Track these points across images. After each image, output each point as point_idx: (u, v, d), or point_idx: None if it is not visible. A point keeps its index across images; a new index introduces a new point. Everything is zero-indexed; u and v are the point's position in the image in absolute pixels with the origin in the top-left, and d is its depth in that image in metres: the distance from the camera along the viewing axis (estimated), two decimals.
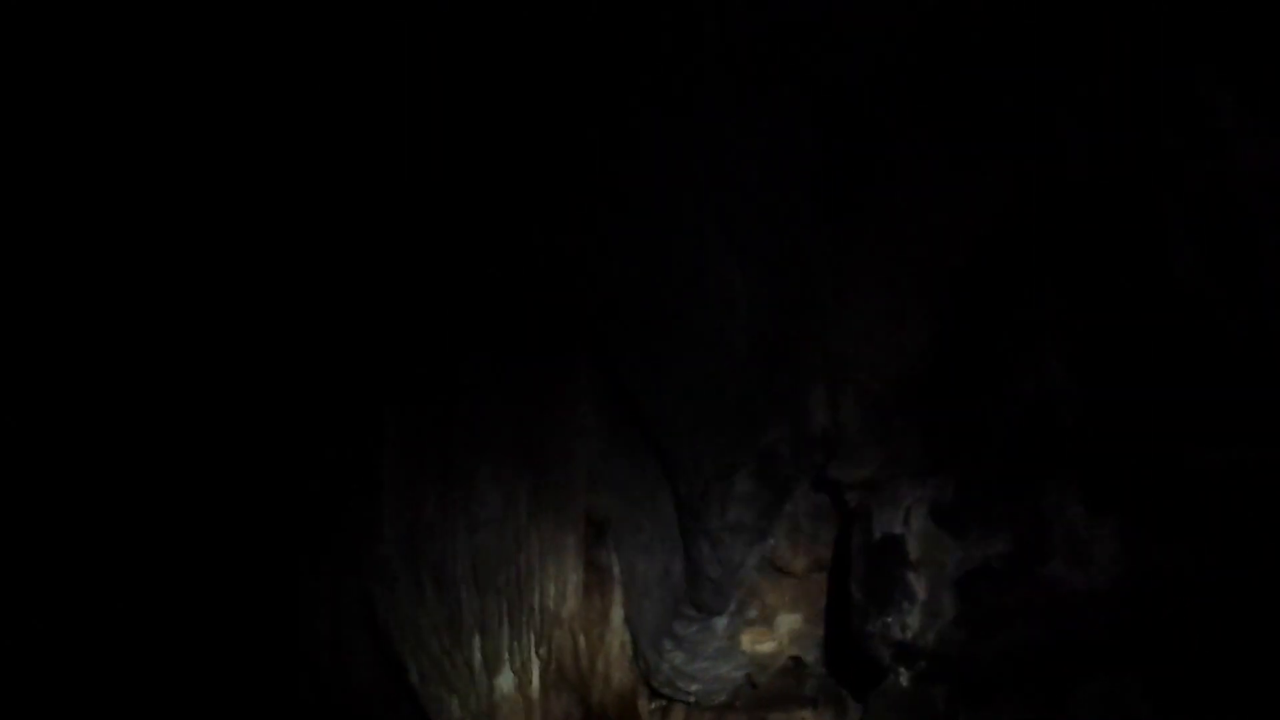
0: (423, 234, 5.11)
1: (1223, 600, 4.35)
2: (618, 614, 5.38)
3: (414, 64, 4.46)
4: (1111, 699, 4.97)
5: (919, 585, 4.13)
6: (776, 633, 5.03)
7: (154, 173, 4.92)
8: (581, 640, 5.41)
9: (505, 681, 5.45)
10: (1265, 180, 4.00)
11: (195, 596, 5.87)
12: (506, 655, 5.43)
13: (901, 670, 4.17)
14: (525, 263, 4.98)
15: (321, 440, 5.61)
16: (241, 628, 5.92)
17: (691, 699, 5.40)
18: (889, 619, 4.15)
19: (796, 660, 5.18)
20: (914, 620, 4.12)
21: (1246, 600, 4.32)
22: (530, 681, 5.47)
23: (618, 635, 5.41)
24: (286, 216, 5.11)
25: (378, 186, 5.00)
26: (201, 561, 5.82)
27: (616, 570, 5.29)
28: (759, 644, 5.04)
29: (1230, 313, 4.08)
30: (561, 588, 5.35)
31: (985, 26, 4.28)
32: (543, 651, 5.43)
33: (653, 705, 5.59)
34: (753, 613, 4.97)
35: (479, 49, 4.34)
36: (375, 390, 5.42)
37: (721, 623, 4.93)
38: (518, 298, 5.09)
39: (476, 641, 5.42)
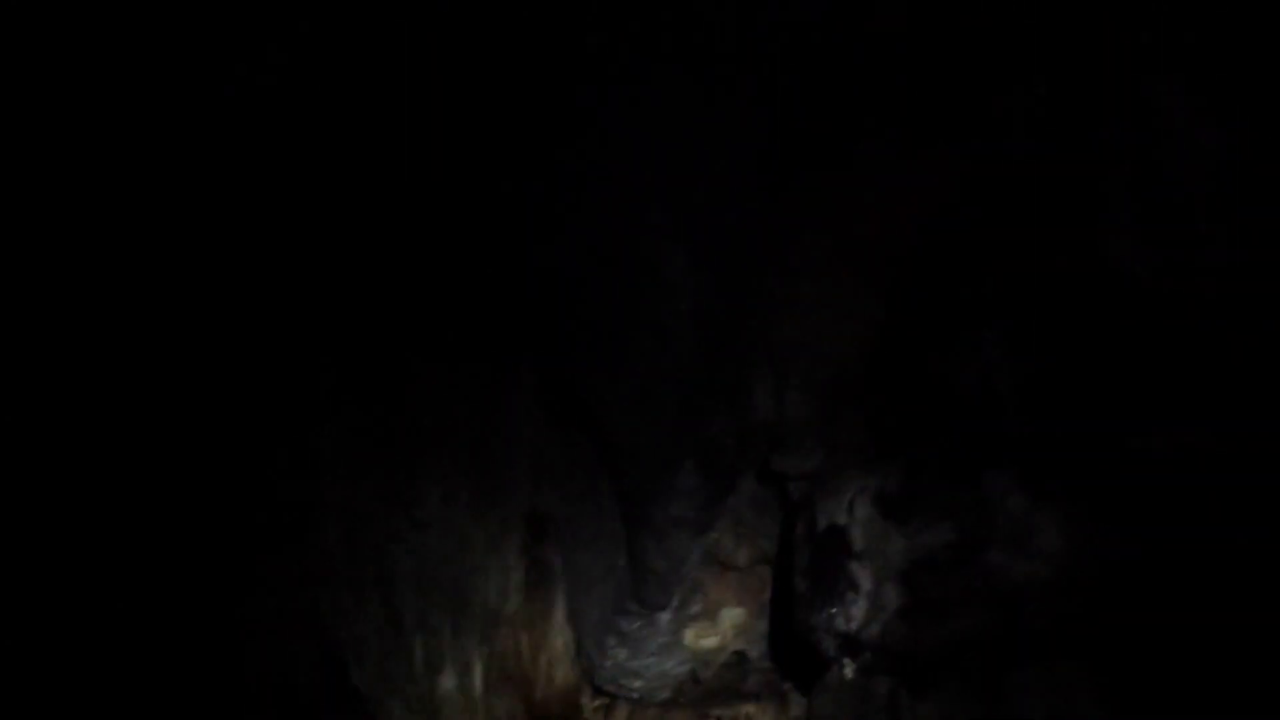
0: (353, 224, 5.00)
1: (1163, 586, 4.39)
2: (560, 611, 5.31)
3: (342, 52, 4.36)
4: (1053, 687, 5.01)
5: (863, 576, 4.12)
6: (720, 627, 5.00)
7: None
8: (524, 638, 5.34)
9: (448, 681, 5.36)
10: (1200, 167, 4.06)
11: (125, 596, 5.70)
12: (448, 655, 5.34)
13: (846, 662, 4.17)
14: (462, 253, 4.90)
15: (256, 438, 5.47)
16: (177, 629, 5.76)
17: (635, 696, 5.35)
18: (833, 610, 4.14)
19: (740, 654, 5.15)
20: (858, 611, 4.12)
21: (1187, 585, 4.37)
22: (473, 681, 5.38)
23: (560, 633, 5.34)
24: (225, 211, 4.98)
25: (311, 181, 4.89)
26: (131, 560, 5.65)
27: (559, 567, 5.23)
28: (702, 639, 5.01)
29: (1168, 297, 4.14)
30: (504, 586, 5.27)
31: (930, 18, 4.30)
32: (485, 650, 5.35)
33: (596, 703, 5.52)
34: (696, 607, 4.94)
35: (411, 32, 4.25)
36: (312, 385, 5.30)
37: (665, 618, 4.89)
38: (454, 291, 5.01)
39: (418, 641, 5.32)
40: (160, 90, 4.30)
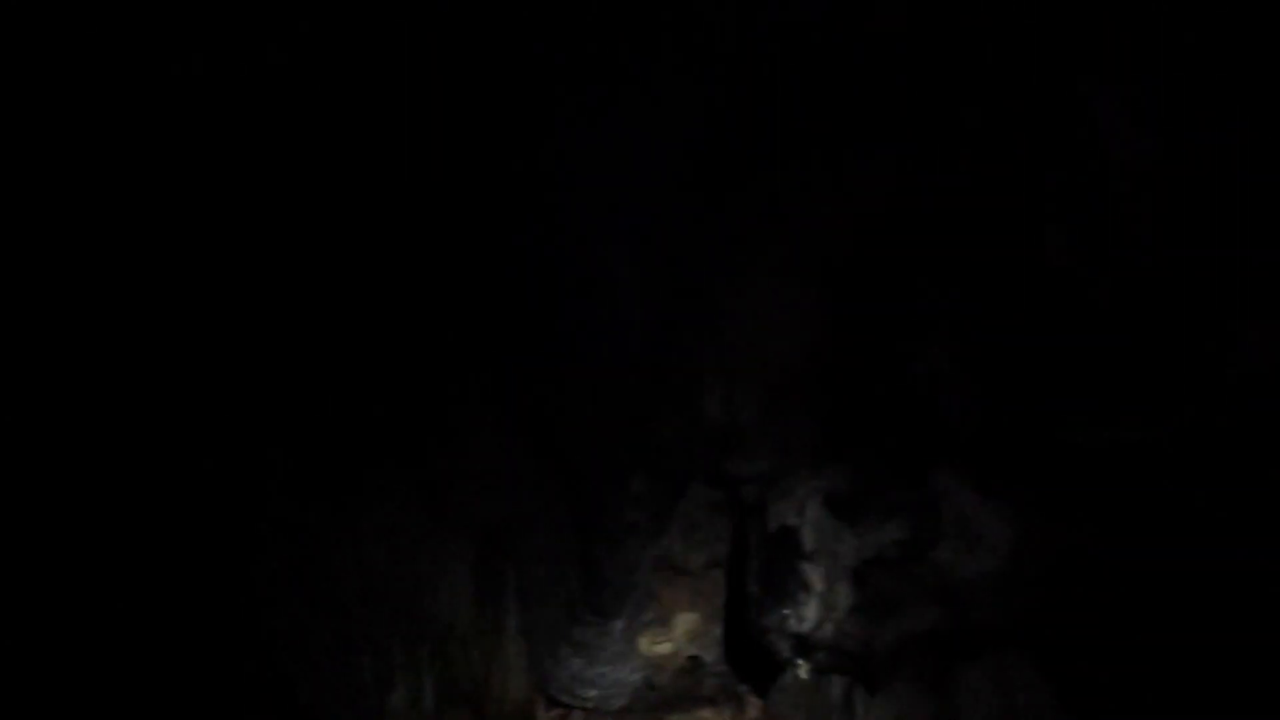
0: (295, 235, 4.94)
1: (1108, 578, 4.47)
2: (512, 623, 5.28)
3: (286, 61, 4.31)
4: (1004, 681, 5.08)
5: (815, 576, 4.15)
6: (674, 633, 5.00)
7: None
8: (476, 652, 5.30)
9: (398, 698, 5.30)
10: (1131, 170, 4.15)
11: (69, 625, 5.56)
12: (399, 671, 5.28)
13: (800, 662, 4.19)
14: (410, 261, 4.87)
15: (198, 451, 5.37)
16: (121, 654, 5.64)
17: (590, 705, 5.34)
18: (786, 611, 4.17)
19: (694, 659, 5.16)
20: (811, 612, 4.15)
21: (1132, 577, 4.45)
22: (424, 696, 5.33)
23: (513, 644, 5.31)
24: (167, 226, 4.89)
25: (251, 195, 4.82)
26: (71, 587, 5.52)
27: (511, 578, 5.20)
28: (656, 645, 5.01)
29: (1103, 295, 4.22)
30: (454, 599, 5.23)
31: (864, 28, 4.35)
32: (437, 665, 5.30)
33: (551, 714, 5.50)
34: (650, 614, 4.94)
35: (356, 44, 4.22)
36: (257, 399, 5.22)
37: (619, 626, 4.88)
38: (402, 299, 4.98)
39: (367, 658, 5.26)
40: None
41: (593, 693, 5.25)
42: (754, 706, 5.49)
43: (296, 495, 5.22)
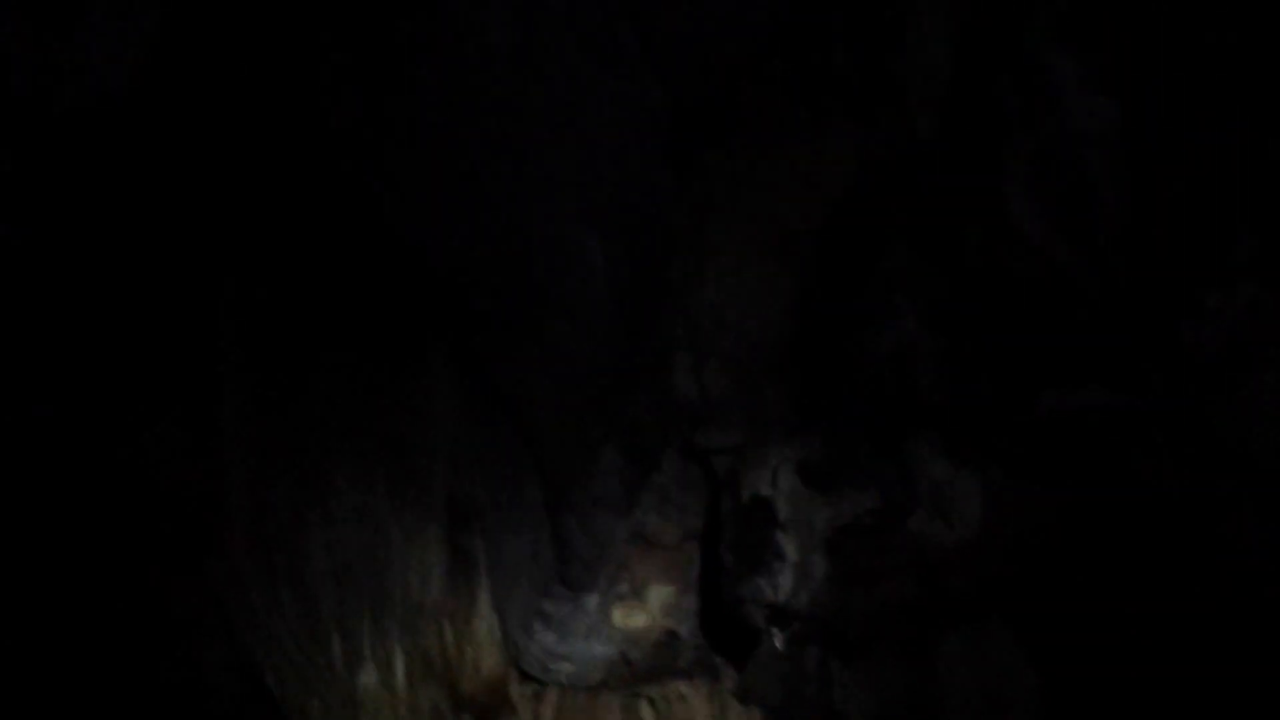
0: (252, 210, 4.83)
1: (1084, 547, 4.46)
2: (485, 599, 5.22)
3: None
4: (980, 651, 5.07)
5: (789, 546, 4.11)
6: (648, 606, 4.95)
7: None
8: (448, 629, 5.24)
9: (368, 678, 5.24)
10: (1098, 138, 4.12)
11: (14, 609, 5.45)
12: (368, 650, 5.21)
13: (775, 632, 4.15)
14: (367, 233, 4.77)
15: (154, 432, 5.26)
16: (76, 639, 5.53)
17: (564, 679, 5.29)
18: (761, 581, 4.13)
19: (670, 633, 5.12)
20: (786, 581, 4.11)
21: (1107, 546, 4.44)
22: (395, 675, 5.27)
23: (485, 621, 5.25)
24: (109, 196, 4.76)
25: (197, 161, 4.70)
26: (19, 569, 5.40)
27: (482, 554, 5.13)
28: (631, 619, 4.96)
29: (1071, 261, 4.19)
30: (425, 576, 5.16)
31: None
32: (407, 643, 5.23)
33: (524, 690, 5.45)
34: (623, 587, 4.89)
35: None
36: (210, 377, 5.11)
37: (592, 600, 4.83)
38: (361, 273, 4.88)
39: (336, 638, 5.19)
40: None
41: (567, 667, 5.21)
42: (731, 679, 5.46)
43: (257, 471, 5.13)
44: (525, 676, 5.39)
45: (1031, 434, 4.30)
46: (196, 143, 4.56)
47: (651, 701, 5.43)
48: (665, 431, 4.40)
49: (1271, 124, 3.86)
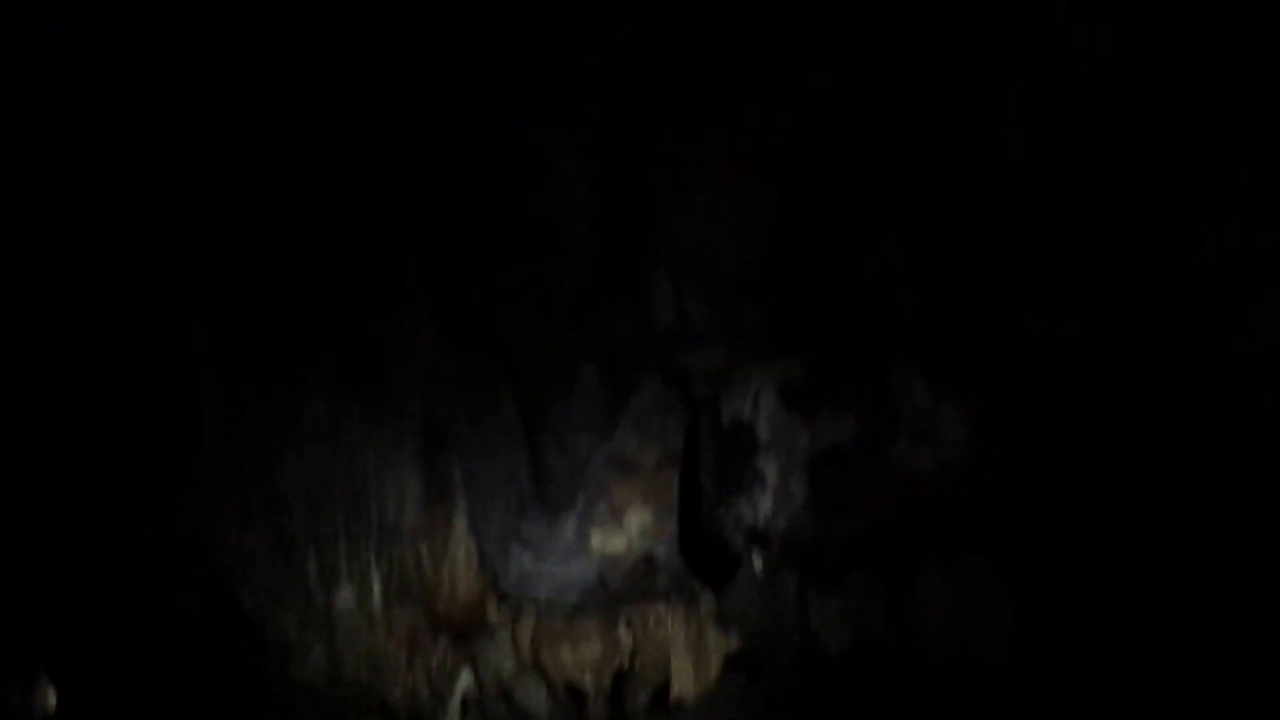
0: (225, 126, 4.68)
1: (1062, 475, 4.42)
2: (461, 521, 5.17)
3: None
4: (957, 577, 5.06)
5: (770, 469, 4.05)
6: (626, 530, 4.91)
7: None
8: (424, 551, 5.20)
9: (345, 597, 5.21)
10: (1090, 66, 4.00)
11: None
12: (344, 570, 5.18)
13: (754, 555, 4.10)
14: (339, 150, 4.63)
15: (125, 359, 5.16)
16: (51, 562, 5.47)
17: (542, 602, 5.26)
18: (740, 504, 4.07)
19: (648, 557, 5.08)
20: (766, 504, 4.06)
21: (1085, 474, 4.40)
22: (371, 596, 5.24)
23: (462, 543, 5.21)
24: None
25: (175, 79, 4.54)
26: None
27: (459, 476, 5.07)
28: (609, 542, 4.92)
29: (1061, 191, 4.09)
30: (400, 499, 5.11)
31: None
32: (383, 565, 5.20)
33: (502, 612, 5.42)
34: (601, 510, 4.84)
35: None
36: (182, 301, 4.99)
37: (570, 522, 4.78)
38: (334, 193, 4.75)
39: (311, 558, 5.15)
40: None
41: (545, 589, 5.17)
42: (708, 604, 5.44)
43: (232, 388, 5.04)
44: (503, 599, 5.36)
45: (1014, 362, 4.24)
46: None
47: (629, 624, 5.41)
48: (644, 353, 4.31)
49: (1266, 56, 3.76)
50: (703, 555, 5.03)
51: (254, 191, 4.77)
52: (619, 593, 5.30)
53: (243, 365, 5.05)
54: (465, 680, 5.65)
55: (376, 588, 5.25)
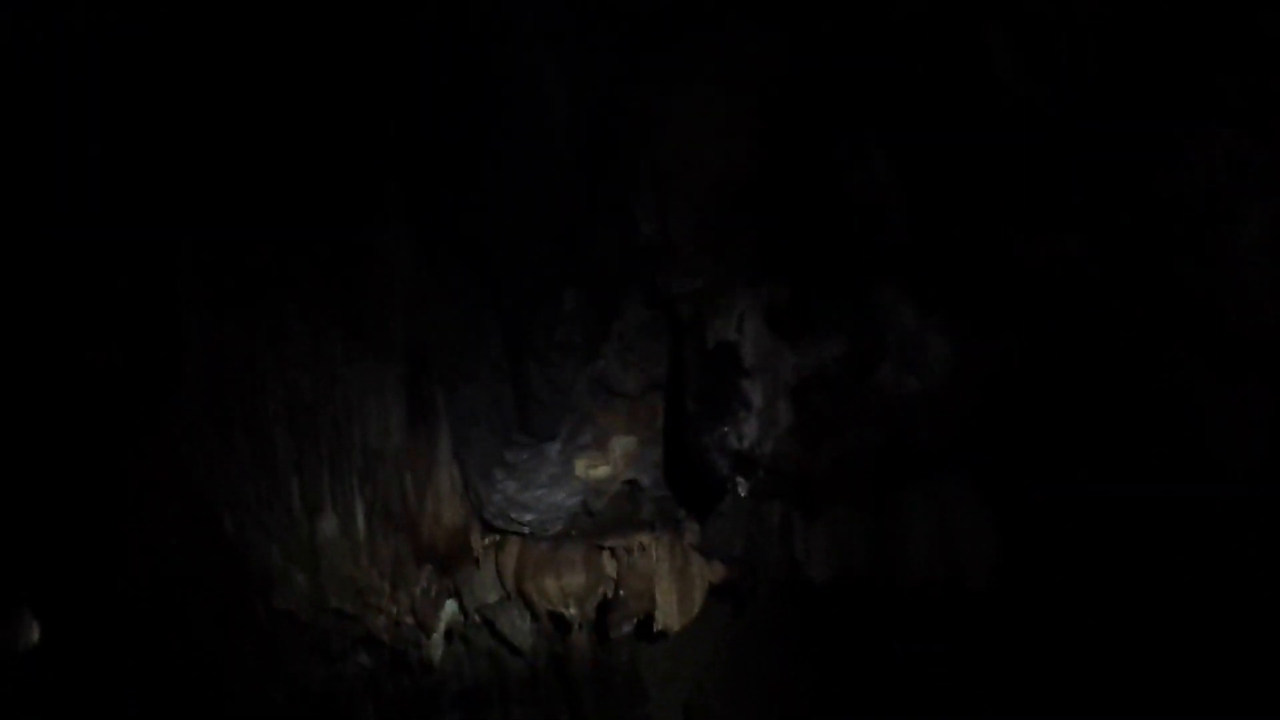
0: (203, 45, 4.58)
1: (1048, 398, 4.38)
2: (445, 448, 5.13)
3: None
4: (940, 503, 5.03)
5: (755, 393, 4.00)
6: (611, 456, 4.87)
7: None
8: (408, 478, 5.16)
9: (328, 524, 5.18)
10: None
11: None
12: (328, 497, 5.14)
13: (740, 480, 4.07)
14: (323, 75, 4.54)
15: (107, 282, 5.09)
16: (30, 493, 5.42)
17: (526, 530, 5.24)
18: (725, 429, 4.02)
19: (632, 484, 5.05)
20: (751, 429, 4.01)
21: (1071, 396, 4.36)
22: (355, 524, 5.21)
23: (446, 470, 5.17)
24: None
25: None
26: None
27: (442, 402, 5.02)
28: (593, 469, 4.88)
29: (1048, 106, 4.02)
30: (384, 424, 5.06)
31: None
32: (367, 492, 5.16)
33: (486, 540, 5.40)
34: (586, 437, 4.79)
35: None
36: (165, 224, 4.91)
37: (554, 449, 4.73)
38: (315, 116, 4.66)
39: (295, 485, 5.11)
40: None
41: (529, 517, 5.15)
42: (692, 532, 5.42)
43: (211, 324, 4.97)
44: (487, 527, 5.34)
45: (1002, 283, 4.18)
46: None
47: (613, 552, 5.40)
48: (628, 275, 4.24)
49: None
50: (688, 482, 5.00)
51: (235, 113, 4.69)
52: (603, 521, 5.28)
53: (222, 291, 4.98)
54: (450, 610, 5.64)
55: (360, 516, 5.22)
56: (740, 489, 4.09)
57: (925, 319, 4.19)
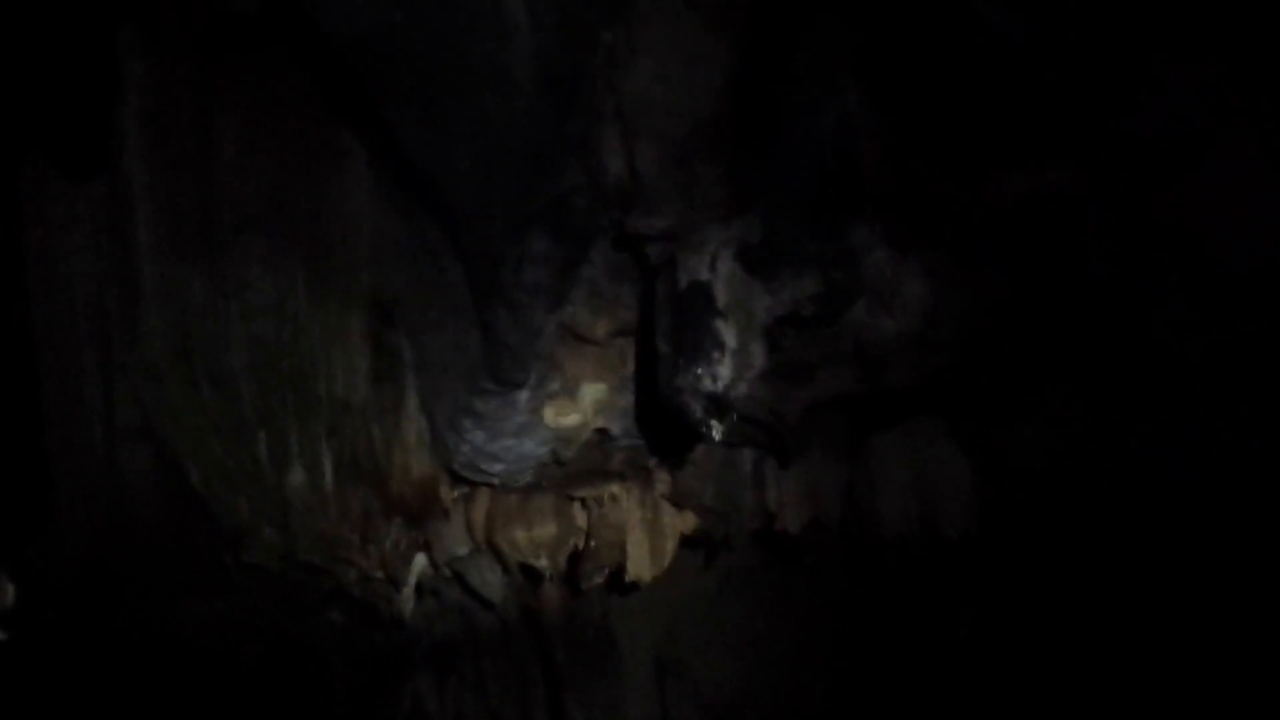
0: None
1: (1026, 338, 4.22)
2: (412, 400, 4.90)
3: None
4: (914, 446, 4.88)
5: (729, 333, 3.78)
6: (580, 404, 4.65)
7: None
8: (375, 430, 4.93)
9: (296, 477, 4.94)
10: None
11: None
12: (295, 450, 4.90)
13: (714, 424, 3.85)
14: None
15: (60, 224, 4.83)
16: None
17: (495, 481, 5.03)
18: (699, 370, 3.80)
19: (603, 432, 4.84)
20: (725, 370, 3.79)
21: (1049, 337, 4.20)
22: (323, 477, 4.98)
23: (414, 422, 4.95)
24: None
25: None
26: None
27: (408, 352, 4.79)
28: (563, 417, 4.66)
29: (1021, 34, 3.81)
30: (350, 375, 4.82)
31: None
32: (334, 444, 4.93)
33: (455, 493, 5.19)
34: (555, 385, 4.56)
35: None
36: (118, 160, 4.65)
37: (523, 396, 4.50)
38: (259, 48, 4.40)
39: (261, 437, 4.87)
40: None
41: (497, 468, 4.92)
42: (663, 482, 5.25)
43: (171, 273, 4.72)
44: (456, 479, 5.13)
45: (979, 220, 3.99)
46: None
47: (584, 503, 5.21)
48: (596, 214, 4.00)
49: None
50: (658, 432, 4.81)
51: (189, 48, 4.43)
52: (572, 471, 5.07)
53: (182, 241, 4.71)
54: (420, 563, 5.45)
55: (328, 468, 5.00)
56: (715, 432, 3.87)
57: (900, 257, 3.99)
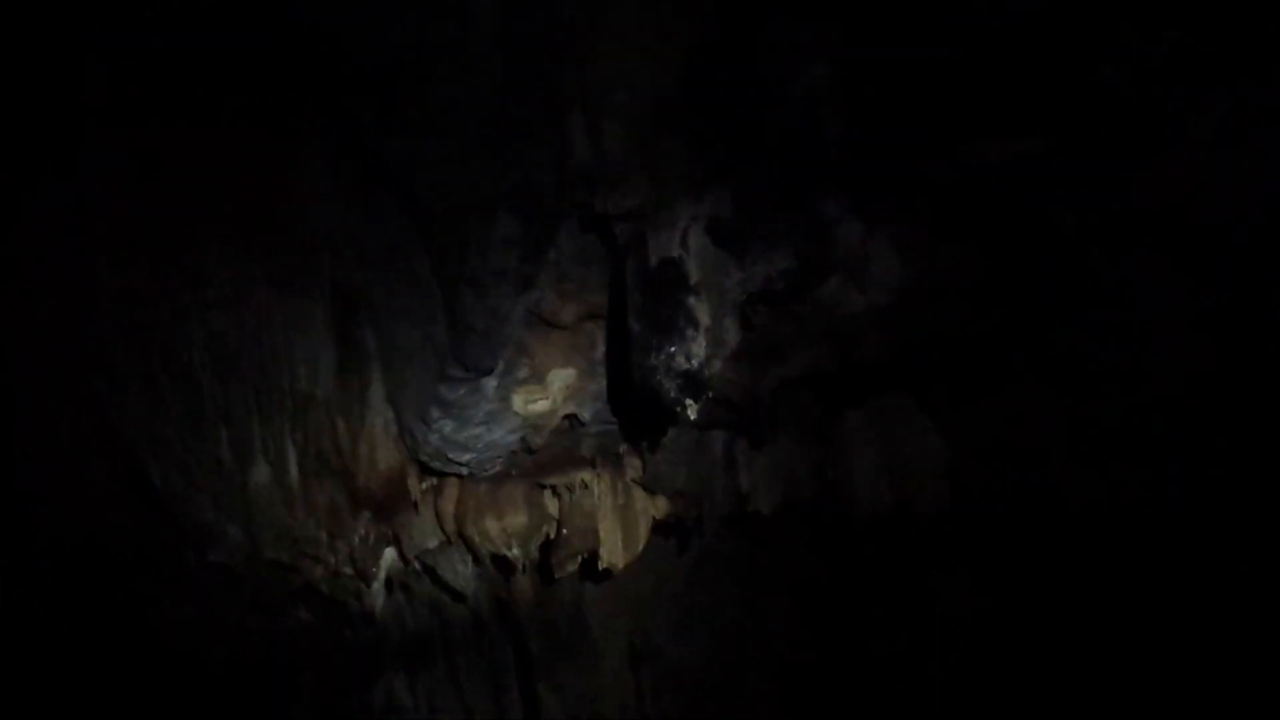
0: None
1: (998, 311, 4.11)
2: (378, 391, 4.70)
3: None
4: (885, 422, 4.75)
5: (702, 310, 3.63)
6: (549, 390, 4.47)
7: None
8: (340, 422, 4.72)
9: (260, 473, 4.72)
10: None
11: None
12: (258, 445, 4.69)
13: (688, 403, 3.70)
14: None
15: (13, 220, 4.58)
16: None
17: (465, 471, 4.83)
18: (673, 348, 3.65)
19: (572, 418, 4.67)
20: (699, 348, 3.64)
21: (1021, 309, 4.09)
22: (288, 471, 4.76)
23: (380, 414, 4.75)
24: None
25: None
26: None
27: (373, 343, 4.59)
28: (532, 403, 4.49)
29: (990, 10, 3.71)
30: (313, 368, 4.61)
31: None
32: (298, 438, 4.72)
33: (424, 485, 5.00)
34: (523, 371, 4.38)
35: None
36: (73, 158, 4.42)
37: (491, 384, 4.33)
38: (228, 40, 4.19)
39: (223, 433, 4.65)
40: None
41: (467, 457, 4.73)
42: (634, 467, 5.07)
43: (125, 266, 4.49)
44: (425, 470, 4.93)
45: (949, 193, 3.88)
46: None
47: (554, 491, 5.04)
48: (563, 196, 3.84)
49: None
50: (629, 417, 4.65)
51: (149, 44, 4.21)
52: (543, 459, 4.90)
53: (136, 234, 4.48)
54: (389, 558, 5.25)
55: (293, 463, 4.78)
56: (690, 411, 3.72)
57: (871, 230, 3.86)
